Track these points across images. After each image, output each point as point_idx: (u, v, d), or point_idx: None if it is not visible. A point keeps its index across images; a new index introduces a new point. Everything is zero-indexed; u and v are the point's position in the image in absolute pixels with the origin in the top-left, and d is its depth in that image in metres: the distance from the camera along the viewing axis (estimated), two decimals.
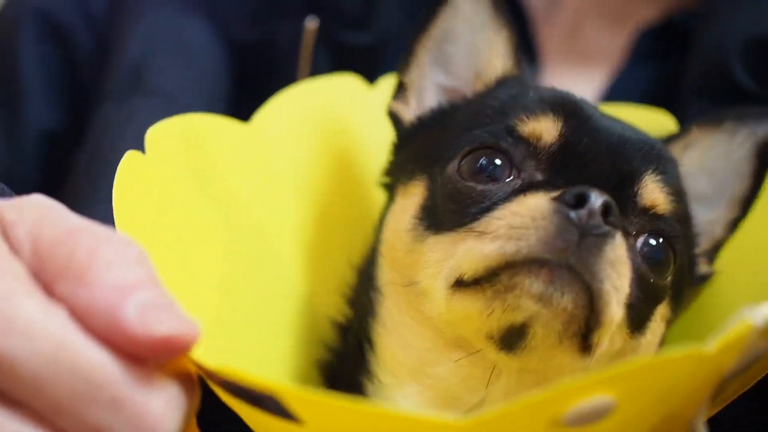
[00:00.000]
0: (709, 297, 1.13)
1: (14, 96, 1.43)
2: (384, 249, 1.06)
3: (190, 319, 0.74)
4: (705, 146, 1.10)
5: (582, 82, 1.43)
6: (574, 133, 1.00)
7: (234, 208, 1.11)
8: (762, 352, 0.79)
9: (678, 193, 1.03)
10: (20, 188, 1.34)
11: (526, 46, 1.45)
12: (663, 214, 1.00)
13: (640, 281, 0.96)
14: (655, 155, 1.02)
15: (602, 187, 0.93)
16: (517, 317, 0.92)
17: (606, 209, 0.90)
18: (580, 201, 0.90)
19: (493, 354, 0.96)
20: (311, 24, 1.35)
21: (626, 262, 0.93)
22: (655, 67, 1.42)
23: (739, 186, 1.10)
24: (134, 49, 1.37)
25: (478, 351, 0.97)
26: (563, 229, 0.90)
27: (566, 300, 0.90)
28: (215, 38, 1.39)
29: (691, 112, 1.26)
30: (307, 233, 1.18)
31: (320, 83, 1.25)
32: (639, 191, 0.99)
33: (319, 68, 1.35)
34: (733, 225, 1.10)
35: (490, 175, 0.98)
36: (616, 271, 0.91)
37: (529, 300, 0.90)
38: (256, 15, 1.39)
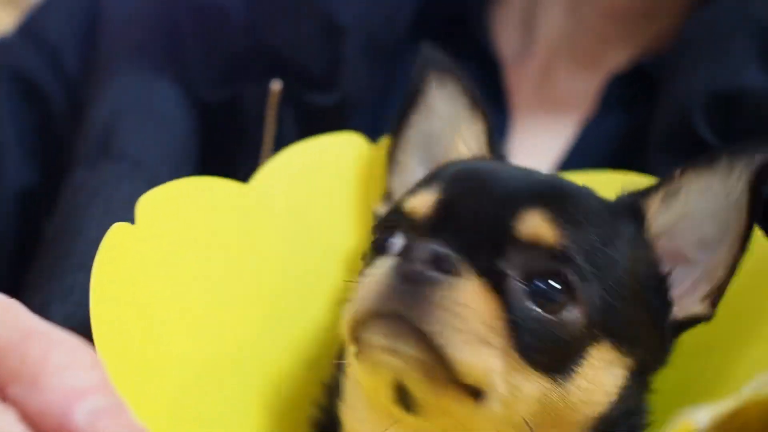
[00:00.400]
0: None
1: None
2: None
3: (138, 426, 0.77)
4: (700, 189, 1.07)
5: (552, 130, 1.45)
6: (455, 198, 1.04)
7: (233, 275, 1.13)
8: None
9: (580, 224, 1.01)
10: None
11: (495, 96, 1.47)
12: (553, 248, 0.99)
13: (527, 323, 0.97)
14: (546, 194, 1.03)
15: (480, 240, 0.99)
16: (385, 373, 0.97)
17: (436, 258, 0.95)
18: (408, 253, 0.96)
19: (404, 417, 1.00)
20: (275, 86, 1.37)
21: (475, 304, 0.95)
22: (624, 115, 1.44)
23: (738, 222, 1.06)
24: (103, 113, 1.38)
25: (398, 419, 1.02)
26: (397, 283, 0.95)
27: (410, 348, 0.94)
28: (182, 100, 1.40)
29: (655, 164, 1.27)
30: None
31: (322, 141, 1.26)
32: (518, 228, 0.99)
33: (284, 129, 1.36)
34: (733, 262, 1.06)
35: (381, 249, 1.04)
36: (453, 313, 0.94)
37: (381, 353, 0.96)
38: (222, 77, 1.40)
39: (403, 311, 0.95)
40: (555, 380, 0.98)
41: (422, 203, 1.06)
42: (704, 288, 1.07)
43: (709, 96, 1.27)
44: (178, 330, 1.05)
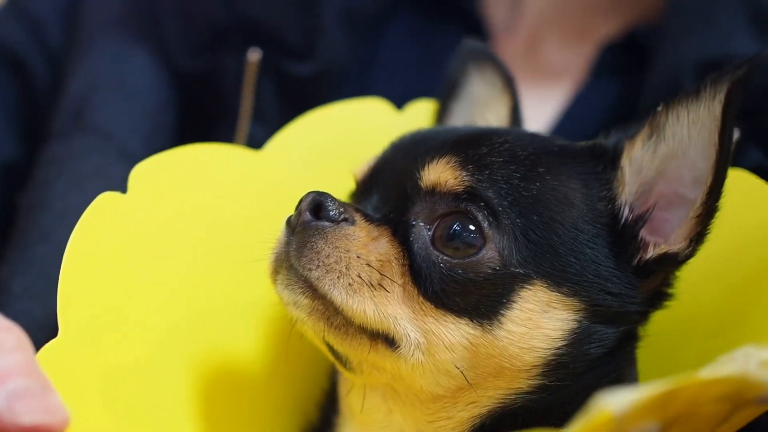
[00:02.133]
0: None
1: None
2: None
3: (59, 408, 0.79)
4: (686, 123, 1.01)
5: (542, 99, 1.44)
6: (384, 161, 1.06)
7: (222, 244, 1.13)
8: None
9: (493, 164, 1.00)
10: None
11: None
12: (455, 190, 0.98)
13: (431, 267, 0.97)
14: (459, 142, 1.02)
15: (393, 193, 1.01)
16: (301, 328, 1.00)
17: (316, 206, 0.98)
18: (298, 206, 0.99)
19: (348, 375, 1.04)
20: (254, 55, 1.37)
21: (362, 250, 0.97)
22: (617, 83, 1.42)
23: (714, 147, 0.99)
24: (78, 86, 1.38)
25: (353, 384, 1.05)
26: (287, 234, 0.99)
27: (303, 297, 0.97)
28: (158, 71, 1.40)
29: None
30: None
31: (343, 108, 1.26)
32: (422, 175, 0.99)
33: (263, 98, 1.37)
34: (710, 192, 0.99)
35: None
36: (336, 259, 0.96)
37: (287, 306, 1.00)
38: (200, 46, 1.40)
39: (293, 261, 0.97)
40: (481, 325, 0.96)
41: (362, 170, 1.08)
42: (687, 225, 1.01)
43: (699, 63, 1.26)
44: (147, 301, 1.05)
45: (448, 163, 0.99)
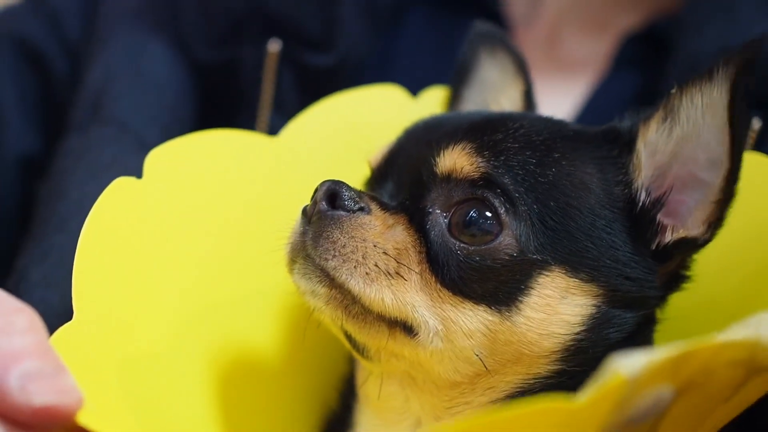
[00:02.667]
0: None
1: None
2: None
3: (72, 389, 0.79)
4: (700, 105, 1.00)
5: (563, 91, 1.43)
6: (399, 148, 1.06)
7: (238, 230, 1.13)
8: (666, 398, 0.78)
9: (508, 149, 0.99)
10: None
11: None
12: (471, 177, 0.98)
13: (448, 254, 0.96)
14: (474, 128, 1.02)
15: (409, 180, 1.01)
16: (319, 316, 1.00)
17: (331, 196, 0.98)
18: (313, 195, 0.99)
19: (366, 364, 1.04)
20: (274, 46, 1.37)
21: (378, 238, 0.97)
22: (637, 74, 1.42)
23: (727, 130, 0.98)
24: (96, 77, 1.39)
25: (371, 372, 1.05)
26: (303, 224, 0.99)
27: (320, 286, 0.97)
28: (178, 61, 1.41)
29: None
30: None
31: (358, 94, 1.26)
32: (437, 162, 0.99)
33: (283, 90, 1.37)
34: (727, 176, 0.98)
35: None
36: (353, 248, 0.96)
37: (305, 296, 0.99)
38: (220, 37, 1.40)
39: (310, 251, 0.97)
40: (500, 312, 0.96)
41: (376, 157, 1.08)
42: (704, 209, 1.00)
43: (720, 53, 1.19)
44: (163, 287, 1.05)
45: (463, 149, 0.99)
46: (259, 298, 1.12)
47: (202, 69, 1.41)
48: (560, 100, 1.42)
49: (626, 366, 0.72)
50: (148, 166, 1.06)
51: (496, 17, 1.48)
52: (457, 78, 1.26)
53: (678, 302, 1.06)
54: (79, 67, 1.45)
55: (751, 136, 1.22)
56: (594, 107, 1.41)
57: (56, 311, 1.05)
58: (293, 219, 1.02)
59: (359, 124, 1.23)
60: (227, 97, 1.41)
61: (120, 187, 1.03)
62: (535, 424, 0.73)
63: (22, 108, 1.46)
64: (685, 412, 0.83)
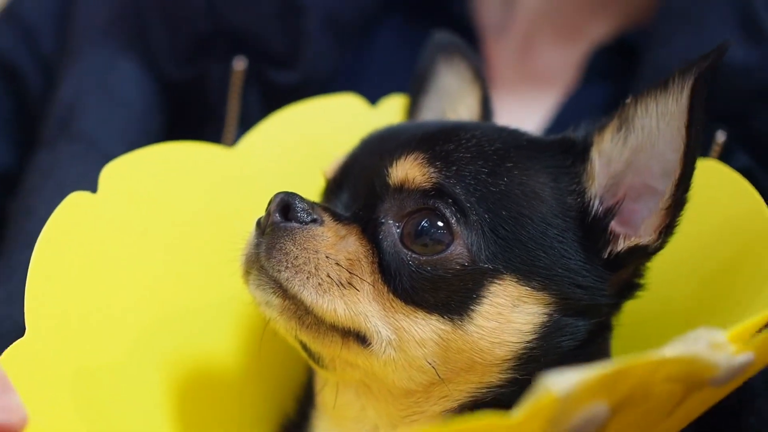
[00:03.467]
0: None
1: None
2: None
3: (17, 407, 0.81)
4: (655, 114, 1.01)
5: (534, 102, 1.44)
6: (353, 159, 1.07)
7: (195, 242, 1.13)
8: (601, 415, 0.78)
9: (460, 159, 1.00)
10: None
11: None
12: (423, 187, 0.99)
13: (400, 264, 0.97)
14: (427, 138, 1.02)
15: (363, 191, 1.02)
16: (274, 326, 1.01)
17: (284, 207, 0.99)
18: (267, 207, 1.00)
19: (321, 372, 1.05)
20: (239, 64, 1.38)
21: (330, 249, 0.98)
22: (608, 85, 1.42)
23: (682, 139, 0.98)
24: (65, 94, 1.40)
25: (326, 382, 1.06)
26: (257, 235, 1.00)
27: (274, 297, 0.98)
28: (146, 78, 1.42)
29: None
30: None
31: (317, 104, 1.27)
32: (390, 173, 1.00)
33: (249, 106, 1.38)
34: (678, 183, 0.98)
35: None
36: (298, 258, 0.97)
37: (260, 307, 1.00)
38: (186, 55, 1.41)
39: (263, 262, 0.99)
40: (452, 321, 0.97)
41: (332, 168, 1.09)
42: (656, 216, 1.00)
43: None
44: (118, 301, 1.06)
45: (415, 159, 1.00)
46: (215, 308, 1.13)
47: (170, 85, 1.43)
48: (530, 112, 1.43)
49: (557, 384, 0.72)
50: (103, 179, 1.07)
51: (468, 29, 1.49)
52: (415, 87, 1.27)
53: (635, 308, 1.06)
54: (52, 81, 1.46)
55: (716, 150, 1.23)
56: (564, 119, 1.41)
57: (21, 328, 1.05)
58: (249, 230, 1.03)
59: (317, 134, 1.24)
60: (194, 113, 1.42)
61: (74, 201, 1.04)
62: None
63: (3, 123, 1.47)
64: (627, 426, 0.84)
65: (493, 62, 1.49)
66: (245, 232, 1.04)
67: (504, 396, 0.99)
